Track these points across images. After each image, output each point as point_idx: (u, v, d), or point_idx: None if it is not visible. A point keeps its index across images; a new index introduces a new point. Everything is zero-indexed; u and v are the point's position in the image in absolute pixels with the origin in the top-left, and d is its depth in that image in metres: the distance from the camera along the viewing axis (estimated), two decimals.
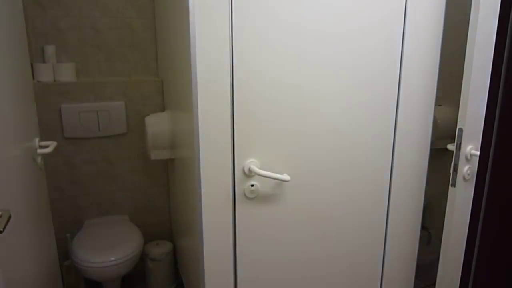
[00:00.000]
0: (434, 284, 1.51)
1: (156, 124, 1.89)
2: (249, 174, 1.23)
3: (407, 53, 1.37)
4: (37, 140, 1.49)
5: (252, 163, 1.22)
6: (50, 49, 2.01)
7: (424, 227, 2.20)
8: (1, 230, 0.87)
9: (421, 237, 1.63)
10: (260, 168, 1.24)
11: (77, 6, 2.03)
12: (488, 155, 0.46)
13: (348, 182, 1.41)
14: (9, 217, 0.92)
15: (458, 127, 1.34)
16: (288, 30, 1.20)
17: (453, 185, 1.38)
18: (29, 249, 1.29)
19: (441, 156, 2.00)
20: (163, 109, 2.19)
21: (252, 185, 1.25)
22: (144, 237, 2.05)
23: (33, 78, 1.96)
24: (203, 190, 1.21)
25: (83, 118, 2.04)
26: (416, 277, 1.69)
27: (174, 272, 2.21)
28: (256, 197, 1.27)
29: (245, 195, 1.25)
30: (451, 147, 1.43)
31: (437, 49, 1.43)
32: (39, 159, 1.50)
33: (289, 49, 1.21)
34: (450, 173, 1.39)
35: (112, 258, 1.79)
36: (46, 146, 1.49)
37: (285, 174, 1.25)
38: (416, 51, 1.39)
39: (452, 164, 1.38)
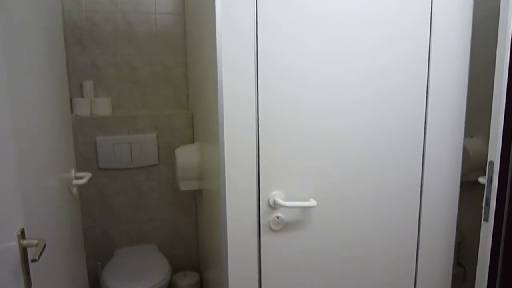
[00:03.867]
0: None
1: (185, 156, 1.94)
2: (274, 206, 1.24)
3: (433, 83, 1.37)
4: (73, 171, 1.57)
5: (277, 195, 1.24)
6: (88, 85, 2.14)
7: (459, 264, 2.10)
8: (37, 258, 0.91)
9: (456, 274, 1.57)
10: (286, 197, 1.25)
11: (115, 45, 2.16)
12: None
13: (376, 212, 1.39)
14: (44, 246, 0.96)
15: (488, 160, 1.31)
16: (314, 60, 1.24)
17: (486, 219, 1.33)
18: (62, 276, 1.33)
19: (474, 189, 1.94)
20: (192, 141, 2.26)
21: (277, 217, 1.25)
22: (171, 267, 2.07)
23: (72, 111, 2.09)
24: (228, 222, 1.23)
25: (117, 149, 2.13)
26: None
27: None
28: (281, 228, 1.28)
29: (270, 227, 1.26)
30: (482, 180, 1.39)
31: (464, 78, 1.41)
32: (74, 190, 1.57)
33: (314, 80, 1.25)
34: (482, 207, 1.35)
35: None
36: (81, 177, 1.56)
37: (311, 199, 1.25)
38: (443, 81, 1.38)
39: (484, 198, 1.34)
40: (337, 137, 1.30)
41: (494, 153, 1.31)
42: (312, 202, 1.22)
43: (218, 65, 1.17)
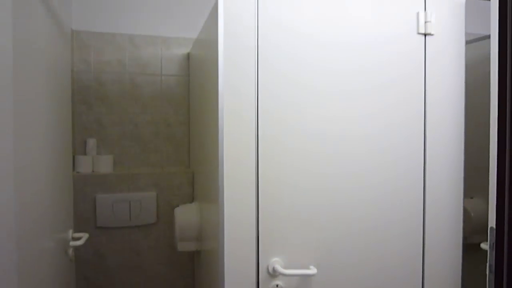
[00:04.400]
0: None
1: (185, 215, 1.93)
2: (273, 274, 1.22)
3: (430, 145, 1.40)
4: (70, 232, 1.55)
5: (277, 263, 1.22)
6: (91, 142, 2.17)
7: None
8: None
9: None
10: (286, 264, 1.22)
11: (120, 104, 2.23)
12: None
13: (378, 280, 1.35)
14: None
15: (489, 225, 1.30)
16: (313, 132, 1.27)
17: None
18: None
19: (479, 252, 1.90)
20: (192, 200, 2.25)
21: (277, 285, 1.22)
22: None
23: (74, 169, 2.10)
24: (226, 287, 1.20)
25: (116, 208, 2.12)
26: None
27: None
28: None
29: None
30: (484, 246, 1.36)
31: (460, 140, 1.44)
32: (70, 251, 1.54)
33: (313, 149, 1.27)
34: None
35: None
36: (79, 238, 1.54)
37: (311, 266, 1.22)
38: (440, 141, 1.41)
39: (488, 265, 1.31)
40: (338, 206, 1.30)
41: (494, 218, 1.30)
42: (313, 270, 1.19)
43: (220, 126, 1.20)
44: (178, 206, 2.06)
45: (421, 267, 1.41)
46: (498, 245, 0.46)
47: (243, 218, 1.20)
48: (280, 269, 1.18)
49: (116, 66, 2.22)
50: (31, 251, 1.08)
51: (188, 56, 2.34)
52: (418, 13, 1.38)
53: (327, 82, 1.30)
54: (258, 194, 1.22)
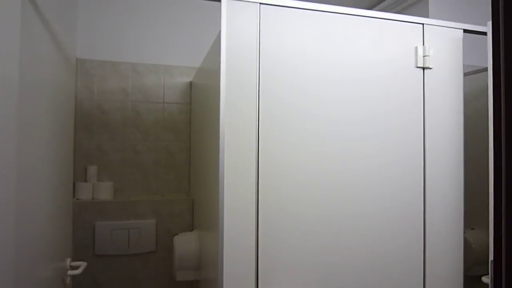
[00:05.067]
0: None
1: (184, 244, 1.91)
2: None
3: (429, 177, 1.41)
4: (69, 260, 1.54)
5: None
6: (92, 170, 2.18)
7: None
8: None
9: None
10: None
11: (122, 132, 2.25)
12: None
13: None
14: None
15: (490, 258, 1.29)
16: (314, 163, 1.28)
17: None
18: None
19: (480, 285, 1.87)
20: (192, 228, 2.24)
21: None
22: None
23: (74, 195, 2.10)
24: None
25: (114, 235, 2.10)
26: None
27: None
28: None
29: None
30: (486, 279, 1.35)
31: (460, 171, 1.45)
32: (68, 280, 1.53)
33: (315, 179, 1.28)
34: None
35: None
36: (77, 267, 1.52)
37: None
38: (439, 176, 1.42)
39: None
40: (340, 235, 1.30)
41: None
42: None
43: (220, 154, 1.21)
44: (177, 234, 2.04)
45: None
46: (496, 280, 0.46)
47: (243, 247, 1.20)
48: None
49: (119, 94, 2.26)
50: (29, 280, 1.07)
51: (190, 85, 2.38)
52: (416, 48, 1.41)
53: (329, 111, 1.32)
54: (258, 223, 1.22)
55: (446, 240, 1.42)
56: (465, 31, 1.49)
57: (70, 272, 1.50)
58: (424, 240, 1.40)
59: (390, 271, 1.35)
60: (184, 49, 2.40)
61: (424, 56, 1.41)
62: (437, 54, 1.43)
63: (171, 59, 2.38)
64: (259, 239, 1.22)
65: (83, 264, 1.53)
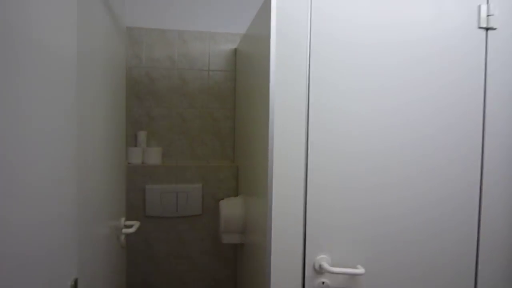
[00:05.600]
0: None
1: (230, 208, 1.96)
2: (319, 270, 1.22)
3: (488, 150, 1.34)
4: (123, 219, 1.63)
5: (323, 260, 1.21)
6: (142, 135, 2.26)
7: None
8: None
9: None
10: (332, 262, 1.22)
11: (169, 99, 2.30)
12: None
13: (428, 284, 1.32)
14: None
15: None
16: (367, 126, 1.25)
17: None
18: None
19: None
20: (236, 193, 2.29)
21: (322, 282, 1.22)
22: None
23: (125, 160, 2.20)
24: (272, 282, 1.21)
25: (163, 198, 2.19)
26: None
27: None
28: None
29: None
30: None
31: None
32: (122, 238, 1.62)
33: (363, 145, 1.25)
34: None
35: None
36: (130, 226, 1.61)
37: (358, 266, 1.21)
38: (497, 148, 1.34)
39: None
40: (389, 205, 1.28)
41: None
42: (360, 270, 1.18)
43: (270, 121, 1.21)
44: (222, 199, 2.10)
45: (474, 273, 1.35)
46: None
47: (291, 213, 1.21)
48: (327, 266, 1.18)
49: (165, 62, 2.29)
50: (89, 236, 1.15)
51: (235, 52, 2.37)
52: (479, 7, 1.31)
53: (383, 76, 1.27)
54: (306, 190, 1.22)
55: (501, 221, 1.36)
56: None
57: (124, 231, 1.59)
58: (479, 213, 1.35)
59: (440, 247, 1.32)
60: (229, 15, 2.37)
61: (488, 16, 1.31)
62: (503, 13, 1.32)
63: (217, 26, 2.36)
64: (307, 206, 1.23)
65: (136, 223, 1.62)
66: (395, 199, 1.28)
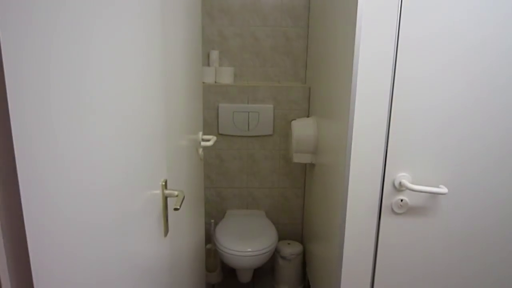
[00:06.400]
0: None
1: (302, 129, 1.96)
2: (399, 188, 1.20)
3: None
4: (200, 133, 1.70)
5: (404, 177, 1.19)
6: (214, 54, 2.26)
7: None
8: (178, 207, 1.02)
9: None
10: (412, 181, 1.19)
11: (241, 16, 2.24)
12: None
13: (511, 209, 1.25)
14: (184, 197, 1.07)
15: None
16: (455, 41, 1.13)
17: None
18: (187, 227, 1.48)
19: None
20: (307, 114, 2.27)
21: (401, 200, 1.21)
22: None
23: None
24: (348, 199, 1.22)
25: (236, 117, 2.24)
26: None
27: (302, 273, 2.27)
28: (404, 212, 1.23)
29: (392, 209, 1.22)
30: None
31: None
32: (200, 151, 1.71)
33: (452, 62, 1.14)
34: None
35: (249, 250, 1.93)
36: (208, 140, 1.68)
37: (441, 185, 1.18)
38: None
39: None
40: (474, 124, 1.18)
41: None
42: (443, 189, 1.14)
43: (356, 39, 1.13)
44: (294, 119, 2.10)
45: None
46: None
47: (372, 132, 1.17)
48: (408, 184, 1.15)
49: None
50: (174, 147, 1.22)
51: None
52: None
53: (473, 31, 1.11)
54: (391, 107, 1.16)
55: None
56: None
57: (203, 144, 1.66)
58: None
59: None
60: None
61: None
62: None
63: None
64: (390, 124, 1.18)
65: (213, 138, 1.68)
66: (484, 120, 1.18)
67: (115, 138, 0.69)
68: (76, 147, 0.55)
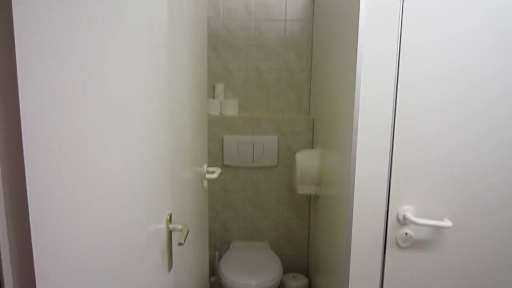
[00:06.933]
0: None
1: (306, 160, 1.98)
2: (403, 222, 1.19)
3: None
4: (205, 166, 1.72)
5: (408, 211, 1.19)
6: (220, 87, 2.31)
7: None
8: (182, 242, 1.02)
9: None
10: (416, 214, 1.19)
11: (245, 51, 2.30)
12: None
13: None
14: (188, 232, 1.08)
15: None
16: (454, 81, 1.16)
17: None
18: (192, 260, 1.47)
19: None
20: (311, 145, 2.29)
21: (406, 233, 1.20)
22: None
23: None
24: (353, 232, 1.22)
25: (240, 148, 2.27)
26: None
27: None
28: (409, 245, 1.22)
29: (397, 243, 1.21)
30: None
31: None
32: (205, 183, 1.72)
33: (452, 99, 1.17)
34: None
35: (254, 283, 1.90)
36: (212, 172, 1.70)
37: (445, 219, 1.17)
38: None
39: None
40: (478, 157, 1.19)
41: None
42: (447, 223, 1.14)
43: (357, 72, 1.16)
44: (298, 151, 2.11)
45: None
46: None
47: (375, 164, 1.18)
48: (411, 217, 1.15)
49: (243, 12, 2.27)
50: (179, 180, 1.23)
51: (313, 0, 2.27)
52: None
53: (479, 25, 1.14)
54: (393, 139, 1.18)
55: None
56: None
57: (207, 176, 1.68)
58: None
59: None
60: None
61: None
62: None
63: None
64: (393, 157, 1.19)
65: (218, 170, 1.70)
66: (486, 153, 1.19)
67: (121, 173, 0.71)
68: (84, 186, 0.57)
